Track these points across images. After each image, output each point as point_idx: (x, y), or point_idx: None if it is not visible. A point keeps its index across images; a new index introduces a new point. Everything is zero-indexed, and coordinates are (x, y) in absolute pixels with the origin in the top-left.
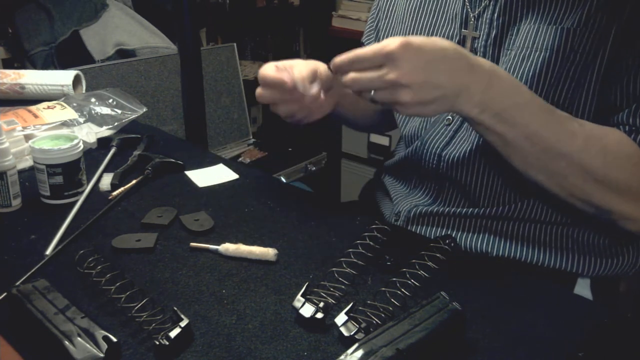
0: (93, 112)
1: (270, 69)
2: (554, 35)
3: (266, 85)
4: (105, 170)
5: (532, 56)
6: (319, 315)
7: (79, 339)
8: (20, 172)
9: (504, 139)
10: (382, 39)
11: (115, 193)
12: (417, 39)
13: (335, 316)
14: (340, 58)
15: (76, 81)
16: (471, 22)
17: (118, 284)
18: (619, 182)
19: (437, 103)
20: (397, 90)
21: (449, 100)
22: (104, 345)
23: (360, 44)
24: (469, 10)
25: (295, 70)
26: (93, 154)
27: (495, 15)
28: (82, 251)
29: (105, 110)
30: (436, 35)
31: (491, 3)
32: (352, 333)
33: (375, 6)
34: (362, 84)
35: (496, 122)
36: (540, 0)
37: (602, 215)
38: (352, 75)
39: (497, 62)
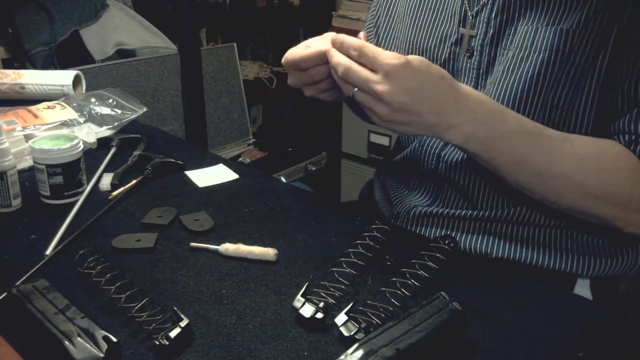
0: (93, 112)
1: (290, 51)
2: (552, 36)
3: (291, 66)
4: (105, 170)
5: (530, 57)
6: (319, 315)
7: (79, 339)
8: (20, 172)
9: (493, 165)
10: (382, 35)
11: (115, 193)
12: (417, 61)
13: (335, 316)
14: (349, 40)
15: (76, 81)
16: (469, 20)
17: (118, 284)
18: (619, 196)
19: (410, 126)
20: (377, 102)
21: (425, 128)
22: (104, 345)
23: None
24: (467, 8)
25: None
26: (93, 154)
27: (493, 14)
28: (82, 251)
29: (105, 110)
30: (435, 33)
31: (489, 2)
32: (352, 333)
33: (375, 2)
34: (351, 78)
35: (482, 150)
36: (539, 0)
37: (603, 223)
38: (347, 65)
39: (494, 62)
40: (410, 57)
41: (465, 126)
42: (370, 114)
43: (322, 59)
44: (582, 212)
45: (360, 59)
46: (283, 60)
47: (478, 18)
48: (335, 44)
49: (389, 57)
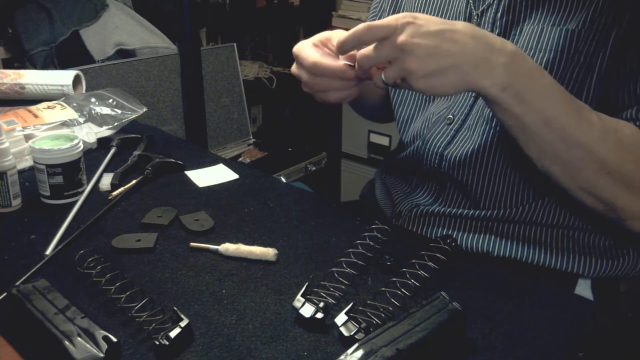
0: (93, 112)
1: (313, 53)
2: (558, 36)
3: (321, 74)
4: (105, 170)
5: (536, 57)
6: (319, 315)
7: (79, 339)
8: (20, 172)
9: (522, 123)
10: None
11: (115, 193)
12: (425, 15)
13: (335, 316)
14: (346, 36)
15: (76, 81)
16: (474, 20)
17: (118, 284)
18: (633, 178)
19: (449, 74)
20: (404, 59)
21: (463, 72)
22: (104, 345)
23: None
24: (472, 8)
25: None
26: (93, 154)
27: (499, 14)
28: (82, 251)
29: (105, 110)
30: None
31: (494, 2)
32: (352, 333)
33: (377, 1)
34: (371, 59)
35: (517, 103)
36: (544, 1)
37: (610, 213)
38: (360, 52)
39: None
40: (416, 13)
41: (505, 71)
42: (409, 80)
43: (327, 73)
44: (592, 194)
45: (371, 37)
46: (294, 49)
47: (483, 18)
48: (339, 49)
49: (392, 16)
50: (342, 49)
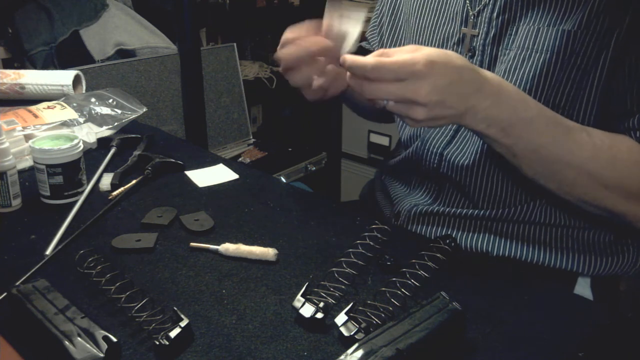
0: (93, 112)
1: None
2: (554, 37)
3: (297, 63)
4: (105, 170)
5: (532, 57)
6: (319, 315)
7: (79, 339)
8: (20, 172)
9: (512, 152)
10: (386, 35)
11: (115, 193)
12: (439, 57)
13: (335, 316)
14: (359, 62)
15: (76, 81)
16: (471, 19)
17: (118, 284)
18: (633, 188)
19: (445, 119)
20: (412, 107)
21: (457, 118)
22: (104, 345)
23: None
24: (469, 8)
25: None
26: (93, 154)
27: (495, 14)
28: (82, 251)
29: (105, 110)
30: (438, 33)
31: (491, 1)
32: (352, 333)
33: (380, 2)
34: (380, 95)
35: (503, 136)
36: (540, 1)
37: (614, 218)
38: (369, 85)
39: (495, 62)
40: (430, 53)
41: (489, 110)
42: (408, 122)
43: (309, 53)
44: (594, 205)
45: (383, 75)
46: (282, 69)
47: (479, 18)
48: (344, 66)
49: (411, 60)
50: (354, 71)
